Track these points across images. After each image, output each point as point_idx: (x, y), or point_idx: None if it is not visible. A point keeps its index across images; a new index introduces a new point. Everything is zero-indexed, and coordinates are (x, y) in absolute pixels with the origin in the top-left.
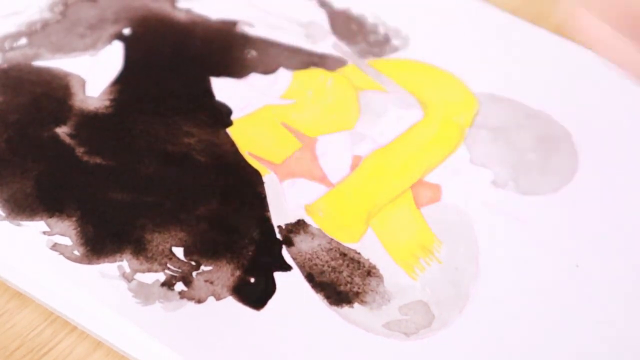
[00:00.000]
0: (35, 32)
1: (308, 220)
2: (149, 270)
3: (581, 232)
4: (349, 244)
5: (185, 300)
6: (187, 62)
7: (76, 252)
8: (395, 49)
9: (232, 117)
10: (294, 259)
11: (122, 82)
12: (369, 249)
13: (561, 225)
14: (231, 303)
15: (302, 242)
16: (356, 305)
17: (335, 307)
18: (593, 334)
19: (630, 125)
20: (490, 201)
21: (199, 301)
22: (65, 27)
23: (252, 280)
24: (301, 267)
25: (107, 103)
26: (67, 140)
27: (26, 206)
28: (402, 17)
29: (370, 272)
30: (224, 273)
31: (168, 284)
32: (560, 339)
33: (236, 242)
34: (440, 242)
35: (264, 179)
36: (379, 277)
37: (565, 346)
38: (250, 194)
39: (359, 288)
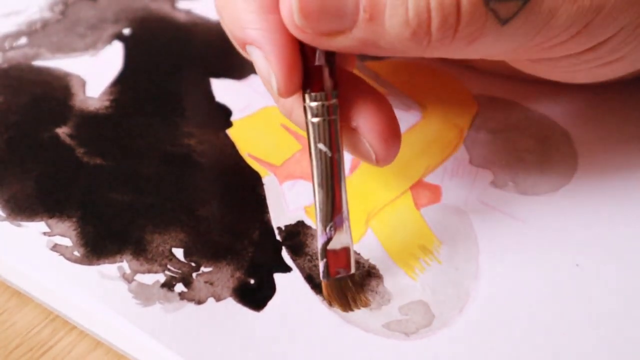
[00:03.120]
0: (35, 32)
1: (308, 221)
2: (149, 271)
3: (581, 231)
4: None
5: (185, 302)
6: (187, 63)
7: (76, 253)
8: None
9: (232, 119)
10: (294, 260)
11: (122, 83)
12: (369, 249)
13: (561, 225)
14: (231, 304)
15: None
16: None
17: (334, 308)
18: (593, 333)
19: (629, 125)
20: (490, 201)
21: (199, 302)
22: (66, 27)
23: (252, 281)
24: (301, 268)
25: (107, 103)
26: (67, 140)
27: (26, 207)
28: None
29: (370, 272)
30: (224, 274)
31: (168, 285)
32: (560, 339)
33: (236, 244)
34: (440, 242)
35: (264, 180)
36: (379, 277)
37: (565, 346)
38: (249, 196)
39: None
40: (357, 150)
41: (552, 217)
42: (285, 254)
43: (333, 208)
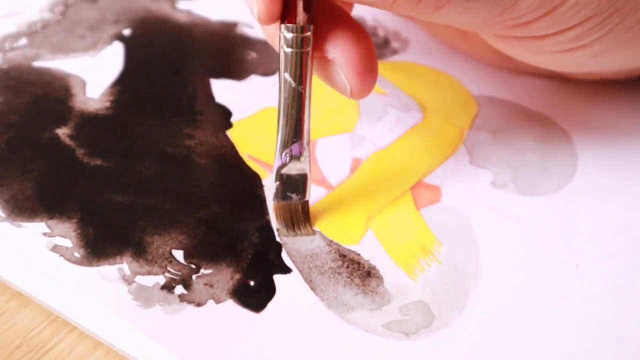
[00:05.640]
0: (36, 33)
1: None
2: (149, 273)
3: (581, 232)
4: (349, 245)
5: (185, 304)
6: (187, 63)
7: (76, 254)
8: (395, 52)
9: (232, 120)
10: (294, 261)
11: (123, 84)
12: (369, 250)
13: (561, 226)
14: (231, 306)
15: (302, 244)
16: None
17: (335, 309)
18: (593, 333)
19: (629, 125)
20: (490, 202)
21: (199, 304)
22: (66, 28)
23: (252, 283)
24: (300, 269)
25: (108, 104)
26: (68, 141)
27: (26, 207)
28: (401, 20)
29: (370, 272)
30: (224, 276)
31: (168, 287)
32: (561, 339)
33: (236, 245)
34: (440, 242)
35: (264, 182)
36: (379, 277)
37: (565, 346)
38: (249, 197)
39: (358, 289)
40: (332, 82)
41: (552, 217)
42: (285, 255)
43: (291, 136)
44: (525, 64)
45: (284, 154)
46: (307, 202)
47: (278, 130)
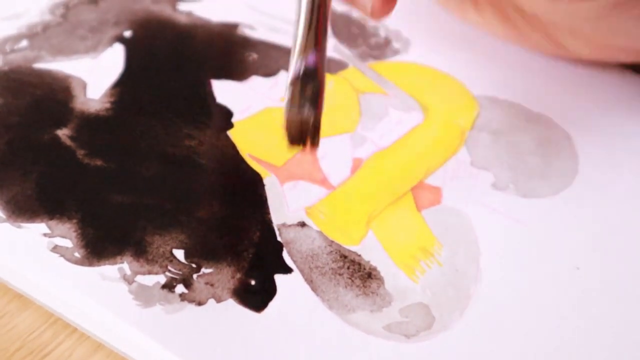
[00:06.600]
0: (36, 35)
1: (309, 222)
2: (150, 273)
3: (582, 234)
4: (350, 246)
5: (185, 303)
6: (188, 64)
7: (77, 254)
8: (396, 52)
9: (233, 120)
10: (295, 261)
11: (123, 85)
12: (370, 251)
13: (562, 228)
14: (232, 305)
15: (303, 244)
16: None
17: (335, 309)
18: (593, 335)
19: (630, 127)
20: (491, 204)
21: (200, 304)
22: (66, 30)
23: (253, 282)
24: (301, 269)
25: (108, 105)
26: (68, 142)
27: (27, 208)
28: (403, 20)
29: (370, 274)
30: (225, 275)
31: (169, 287)
32: (561, 341)
33: (237, 245)
34: (440, 244)
35: (265, 181)
36: (380, 279)
37: (566, 348)
38: (251, 197)
39: (359, 290)
40: None
41: (552, 219)
42: (285, 255)
43: (311, 43)
44: (529, 32)
45: (299, 60)
46: (319, 114)
47: (296, 36)
